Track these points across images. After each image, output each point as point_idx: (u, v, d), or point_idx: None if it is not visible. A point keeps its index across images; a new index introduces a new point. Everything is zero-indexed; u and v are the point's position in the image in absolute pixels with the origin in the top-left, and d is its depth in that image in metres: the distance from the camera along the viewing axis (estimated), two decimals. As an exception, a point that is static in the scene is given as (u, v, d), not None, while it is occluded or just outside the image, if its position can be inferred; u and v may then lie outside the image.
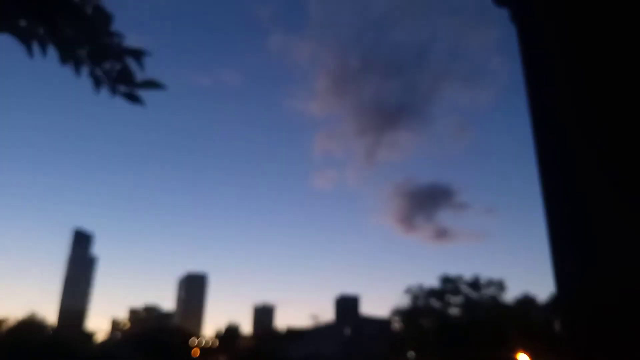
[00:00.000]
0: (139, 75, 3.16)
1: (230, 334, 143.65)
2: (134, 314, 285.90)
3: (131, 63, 3.12)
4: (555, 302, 52.83)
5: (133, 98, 3.21)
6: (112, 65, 3.12)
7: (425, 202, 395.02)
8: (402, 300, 57.41)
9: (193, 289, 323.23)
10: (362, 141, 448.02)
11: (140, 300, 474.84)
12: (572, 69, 1.79)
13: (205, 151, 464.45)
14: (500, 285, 54.16)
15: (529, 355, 43.05)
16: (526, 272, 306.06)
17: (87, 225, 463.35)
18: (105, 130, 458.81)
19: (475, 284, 54.54)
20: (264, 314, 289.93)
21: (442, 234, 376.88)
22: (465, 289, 54.67)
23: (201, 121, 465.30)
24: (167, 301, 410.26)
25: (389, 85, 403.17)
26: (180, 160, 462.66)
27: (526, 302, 56.15)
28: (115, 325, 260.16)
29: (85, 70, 3.11)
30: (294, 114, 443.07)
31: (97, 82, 3.13)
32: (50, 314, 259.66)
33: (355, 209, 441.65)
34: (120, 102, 3.18)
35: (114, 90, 3.16)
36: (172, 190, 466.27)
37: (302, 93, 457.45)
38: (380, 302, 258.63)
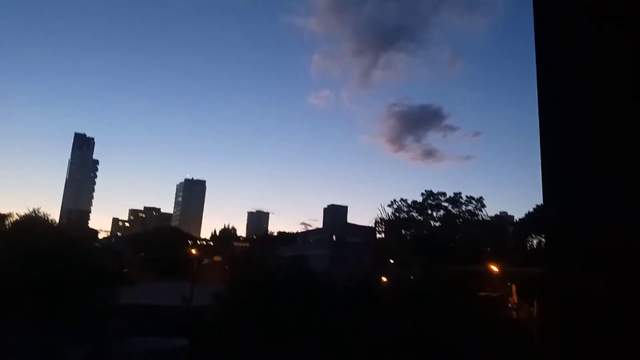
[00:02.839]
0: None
1: (226, 236, 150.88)
2: (134, 214, 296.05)
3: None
4: (530, 219, 56.03)
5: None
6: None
7: (416, 123, 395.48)
8: (387, 212, 60.55)
9: (192, 194, 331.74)
10: (358, 61, 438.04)
11: (141, 203, 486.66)
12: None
13: (205, 62, 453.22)
14: (479, 202, 57.06)
15: (499, 268, 45.74)
16: (506, 193, 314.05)
17: (89, 130, 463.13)
18: (108, 36, 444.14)
19: (455, 200, 57.36)
20: (258, 220, 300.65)
21: (429, 154, 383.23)
22: (446, 205, 57.67)
23: (201, 31, 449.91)
24: (167, 205, 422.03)
25: (388, 6, 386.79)
26: (182, 69, 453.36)
27: (502, 219, 59.48)
28: (116, 224, 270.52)
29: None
30: (293, 30, 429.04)
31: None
32: (53, 213, 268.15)
33: (348, 127, 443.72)
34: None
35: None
36: (173, 99, 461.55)
37: (302, 9, 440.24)
38: (367, 214, 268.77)
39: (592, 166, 1.55)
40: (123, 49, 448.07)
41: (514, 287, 45.76)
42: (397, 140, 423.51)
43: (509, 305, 43.94)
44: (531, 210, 53.83)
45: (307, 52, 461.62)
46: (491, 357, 20.53)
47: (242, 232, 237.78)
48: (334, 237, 77.67)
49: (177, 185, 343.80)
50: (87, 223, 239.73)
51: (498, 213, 63.04)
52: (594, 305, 1.53)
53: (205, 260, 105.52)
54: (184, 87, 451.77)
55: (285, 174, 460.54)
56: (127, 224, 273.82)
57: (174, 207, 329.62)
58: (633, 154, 1.43)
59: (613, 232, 1.54)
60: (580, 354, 1.52)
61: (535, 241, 52.74)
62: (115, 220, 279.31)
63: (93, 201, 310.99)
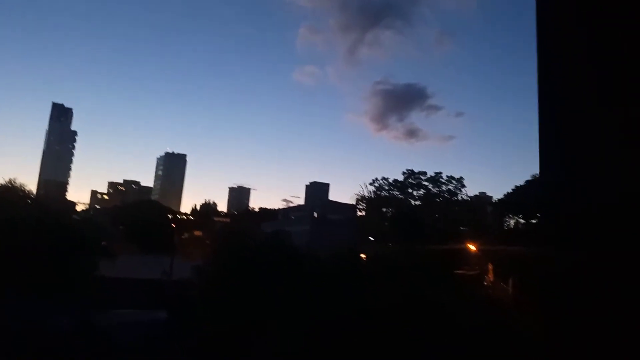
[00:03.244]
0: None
1: (207, 211, 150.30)
2: (113, 187, 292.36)
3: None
4: (508, 200, 56.99)
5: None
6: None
7: (400, 102, 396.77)
8: (368, 190, 60.96)
9: (172, 168, 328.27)
10: (345, 37, 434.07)
11: (120, 176, 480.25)
12: None
13: (189, 33, 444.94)
14: (459, 182, 57.81)
15: (477, 247, 46.43)
16: (486, 174, 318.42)
17: (67, 100, 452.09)
18: (88, 5, 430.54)
19: (436, 180, 58.07)
20: (239, 196, 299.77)
21: (412, 134, 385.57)
22: (427, 184, 58.35)
23: (185, 2, 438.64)
24: (147, 178, 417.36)
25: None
26: (164, 41, 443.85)
27: (481, 199, 60.45)
28: (95, 197, 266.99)
29: None
30: (280, 2, 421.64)
31: None
32: (30, 184, 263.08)
33: (332, 104, 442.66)
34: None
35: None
36: (155, 71, 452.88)
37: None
38: (348, 192, 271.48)
39: (589, 142, 1.60)
40: (103, 19, 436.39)
41: (490, 266, 46.71)
42: (381, 120, 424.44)
43: (485, 283, 44.91)
44: (510, 191, 54.59)
45: (293, 25, 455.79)
46: (466, 329, 21.11)
47: (223, 207, 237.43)
48: (316, 214, 78.00)
49: (158, 159, 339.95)
50: (65, 195, 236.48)
51: (477, 193, 64.13)
52: (579, 276, 1.58)
53: (186, 235, 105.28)
54: (166, 60, 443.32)
55: (267, 150, 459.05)
56: (106, 197, 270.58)
57: (154, 181, 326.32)
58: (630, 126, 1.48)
59: (605, 200, 1.60)
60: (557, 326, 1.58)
61: (512, 221, 53.71)
62: (93, 193, 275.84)
63: (71, 173, 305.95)
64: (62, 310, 26.56)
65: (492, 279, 45.20)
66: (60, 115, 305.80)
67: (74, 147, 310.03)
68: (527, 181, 51.43)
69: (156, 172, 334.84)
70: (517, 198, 51.70)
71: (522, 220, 50.45)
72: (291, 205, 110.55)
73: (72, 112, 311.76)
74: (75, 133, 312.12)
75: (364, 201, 61.11)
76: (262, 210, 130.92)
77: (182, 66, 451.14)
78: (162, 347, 22.76)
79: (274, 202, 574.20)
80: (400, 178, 59.61)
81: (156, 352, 22.15)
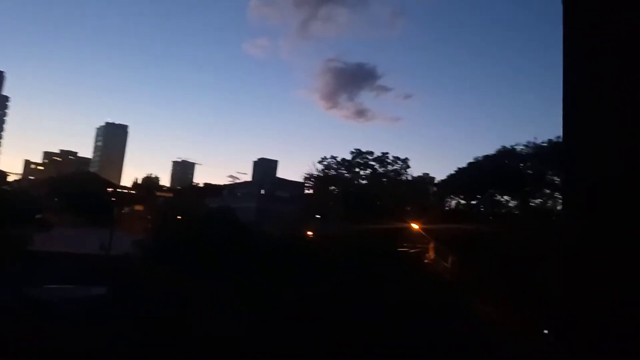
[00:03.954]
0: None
1: (149, 185, 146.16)
2: (49, 157, 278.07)
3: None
4: (450, 181, 58.96)
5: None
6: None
7: (350, 81, 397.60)
8: (316, 168, 61.24)
9: (113, 139, 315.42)
10: (298, 11, 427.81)
11: (56, 146, 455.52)
12: None
13: (138, 3, 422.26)
14: (405, 163, 59.24)
15: (419, 226, 47.82)
16: (430, 156, 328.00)
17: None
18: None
19: (382, 160, 59.21)
20: (183, 170, 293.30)
21: (361, 113, 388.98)
22: (374, 164, 59.39)
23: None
24: (85, 149, 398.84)
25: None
26: (109, 5, 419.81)
27: (425, 180, 62.25)
28: (29, 167, 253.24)
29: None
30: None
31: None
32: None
33: (283, 80, 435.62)
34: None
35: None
36: (96, 37, 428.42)
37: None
38: (297, 170, 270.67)
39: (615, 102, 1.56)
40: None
41: (431, 244, 48.36)
42: (332, 97, 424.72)
43: (426, 260, 46.53)
44: (452, 172, 56.25)
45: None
46: (407, 300, 21.86)
47: (166, 181, 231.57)
48: (263, 191, 77.61)
49: (97, 129, 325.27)
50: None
51: (422, 174, 65.88)
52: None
53: (126, 209, 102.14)
54: (108, 24, 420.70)
55: (214, 124, 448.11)
56: (40, 168, 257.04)
57: (93, 152, 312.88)
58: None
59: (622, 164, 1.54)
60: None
61: (453, 202, 55.51)
62: (27, 163, 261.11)
63: (2, 141, 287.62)
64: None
65: (432, 256, 46.83)
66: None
67: (5, 114, 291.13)
68: (469, 163, 53.18)
69: (95, 142, 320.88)
70: (459, 180, 53.42)
71: (462, 201, 52.31)
72: (238, 181, 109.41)
73: (3, 75, 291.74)
74: (7, 98, 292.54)
75: (313, 179, 61.45)
76: (207, 185, 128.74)
77: (124, 31, 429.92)
78: (103, 321, 22.08)
79: (220, 178, 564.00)
80: (349, 157, 60.29)
81: (98, 326, 21.46)
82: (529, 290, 25.69)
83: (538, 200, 44.53)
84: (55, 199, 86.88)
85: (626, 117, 1.43)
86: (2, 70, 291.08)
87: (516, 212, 45.48)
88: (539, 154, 44.59)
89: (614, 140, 1.41)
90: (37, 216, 60.88)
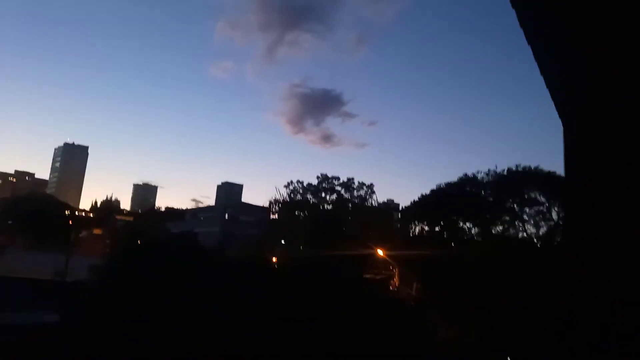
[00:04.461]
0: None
1: (109, 208, 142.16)
2: (4, 177, 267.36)
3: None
4: (414, 207, 59.81)
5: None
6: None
7: (317, 107, 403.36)
8: (282, 193, 60.98)
9: (72, 160, 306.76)
10: (264, 35, 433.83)
11: (11, 166, 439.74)
12: None
13: (97, 18, 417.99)
14: (370, 189, 59.66)
15: (384, 252, 47.98)
16: (395, 182, 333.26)
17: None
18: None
19: (348, 185, 59.46)
20: (145, 193, 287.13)
21: (327, 139, 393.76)
22: (339, 189, 59.57)
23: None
24: (42, 170, 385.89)
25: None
26: (69, 25, 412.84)
27: (389, 206, 62.80)
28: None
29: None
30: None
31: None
32: None
33: (249, 103, 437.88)
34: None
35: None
36: (57, 57, 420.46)
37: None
38: (262, 194, 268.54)
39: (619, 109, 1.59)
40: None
41: (396, 270, 48.47)
42: (298, 122, 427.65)
43: (391, 287, 46.55)
44: (416, 199, 57.04)
45: (210, 17, 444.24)
46: (371, 325, 21.78)
47: (126, 205, 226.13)
48: (227, 216, 76.60)
49: (56, 150, 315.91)
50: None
51: (386, 200, 66.40)
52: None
53: (84, 233, 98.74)
54: (70, 45, 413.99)
55: (178, 147, 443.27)
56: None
57: (51, 173, 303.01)
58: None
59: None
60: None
61: (417, 228, 56.17)
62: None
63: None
64: None
65: (397, 283, 46.95)
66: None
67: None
68: (431, 190, 54.07)
69: (53, 163, 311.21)
70: (422, 206, 54.14)
71: (426, 227, 52.97)
72: (201, 205, 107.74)
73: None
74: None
75: (278, 204, 61.04)
76: (169, 209, 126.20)
77: (87, 52, 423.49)
78: (50, 351, 21.00)
79: (183, 202, 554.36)
80: (315, 182, 60.32)
81: (45, 353, 20.41)
82: (488, 311, 26.09)
83: (499, 228, 45.50)
84: (9, 221, 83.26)
85: (628, 112, 1.44)
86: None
87: (477, 239, 46.31)
88: (499, 181, 45.77)
89: (615, 137, 1.41)
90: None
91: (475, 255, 35.21)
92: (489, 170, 50.57)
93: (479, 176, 50.97)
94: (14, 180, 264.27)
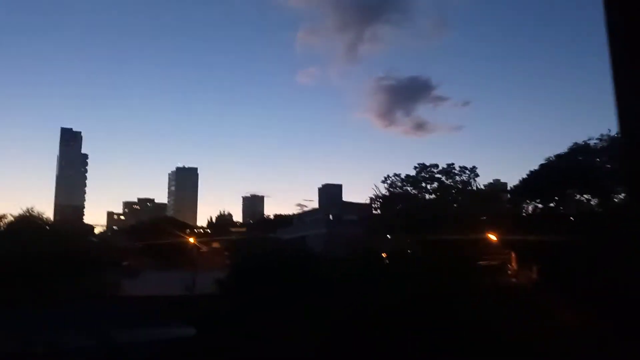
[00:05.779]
0: None
1: (223, 222, 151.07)
2: (128, 206, 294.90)
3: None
4: (524, 185, 56.42)
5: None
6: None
7: (404, 96, 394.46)
8: (381, 188, 60.59)
9: (184, 182, 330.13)
10: (343, 36, 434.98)
11: (134, 195, 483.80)
12: None
13: (189, 46, 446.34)
14: (472, 172, 57.31)
15: (496, 235, 45.94)
16: (499, 161, 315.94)
17: (75, 124, 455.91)
18: (89, 27, 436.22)
19: (448, 171, 57.59)
20: (253, 204, 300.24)
21: (420, 126, 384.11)
22: (440, 176, 57.89)
23: (182, 13, 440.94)
24: (160, 195, 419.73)
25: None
26: (165, 55, 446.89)
27: (496, 187, 59.82)
28: (111, 218, 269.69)
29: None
30: (274, 7, 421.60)
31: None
32: (47, 211, 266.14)
33: (337, 104, 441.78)
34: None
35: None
36: (158, 88, 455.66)
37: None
38: (361, 192, 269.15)
39: None
40: (103, 38, 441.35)
41: (512, 255, 46.10)
42: (387, 115, 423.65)
43: (508, 272, 44.38)
44: (524, 176, 53.93)
45: (289, 28, 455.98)
46: (490, 320, 20.84)
47: (238, 217, 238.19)
48: (330, 216, 77.93)
49: (169, 174, 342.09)
50: (82, 218, 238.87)
51: (492, 181, 63.41)
52: None
53: (204, 248, 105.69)
54: (168, 74, 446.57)
55: (277, 156, 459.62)
56: (122, 217, 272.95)
57: (168, 197, 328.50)
58: None
59: None
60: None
61: (530, 207, 53.00)
62: (110, 214, 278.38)
63: (86, 196, 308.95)
64: (83, 331, 26.90)
65: (515, 267, 44.64)
66: (70, 140, 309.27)
67: (86, 171, 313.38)
68: (540, 165, 50.77)
69: (169, 187, 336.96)
70: (533, 183, 50.99)
71: (539, 205, 49.78)
72: (305, 209, 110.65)
73: (81, 135, 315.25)
74: (86, 156, 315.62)
75: (378, 200, 60.83)
76: (277, 216, 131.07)
77: (185, 80, 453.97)
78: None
79: (288, 208, 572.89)
80: (412, 173, 59.22)
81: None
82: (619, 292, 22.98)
83: (621, 196, 41.57)
84: (138, 245, 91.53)
85: None
86: (79, 130, 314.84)
87: (599, 210, 42.68)
88: (615, 146, 41.87)
89: None
90: (124, 263, 64.47)
91: (597, 228, 32.33)
92: (601, 135, 46.43)
93: (591, 143, 47.01)
94: (138, 207, 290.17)
